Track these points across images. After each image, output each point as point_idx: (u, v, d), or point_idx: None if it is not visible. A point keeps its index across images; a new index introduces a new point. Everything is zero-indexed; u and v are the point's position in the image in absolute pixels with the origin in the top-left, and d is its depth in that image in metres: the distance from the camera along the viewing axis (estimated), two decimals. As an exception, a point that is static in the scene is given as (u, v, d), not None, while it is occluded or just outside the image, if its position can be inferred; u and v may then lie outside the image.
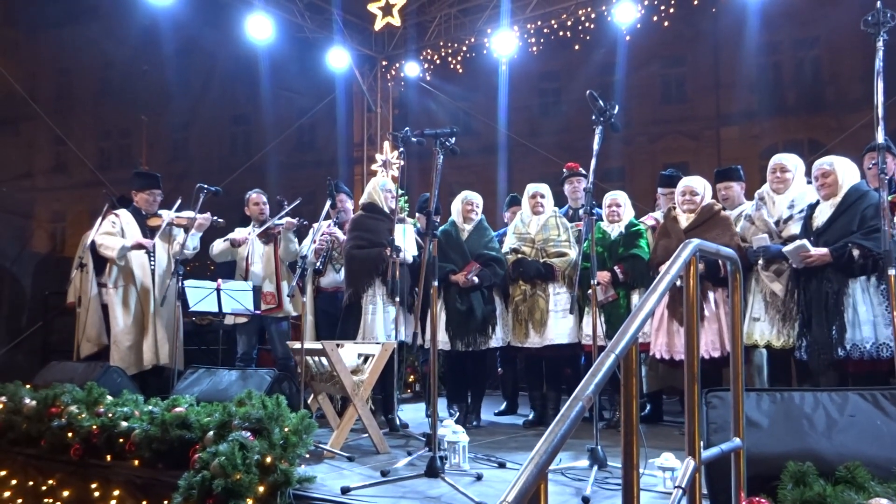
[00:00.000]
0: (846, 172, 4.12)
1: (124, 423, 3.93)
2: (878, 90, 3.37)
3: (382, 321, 5.03)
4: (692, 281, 2.04)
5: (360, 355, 4.38)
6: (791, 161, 4.54)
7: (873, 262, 3.80)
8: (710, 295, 4.53)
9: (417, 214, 6.18)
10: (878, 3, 3.37)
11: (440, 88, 11.59)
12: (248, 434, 3.23)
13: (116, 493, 3.77)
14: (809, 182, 4.75)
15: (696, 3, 8.71)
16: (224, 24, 9.54)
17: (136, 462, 3.78)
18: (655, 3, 8.68)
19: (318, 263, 5.56)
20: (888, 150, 4.60)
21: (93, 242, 5.97)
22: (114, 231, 5.55)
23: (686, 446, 1.97)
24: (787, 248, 4.08)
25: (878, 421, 2.38)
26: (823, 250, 3.96)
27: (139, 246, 5.45)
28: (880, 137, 3.38)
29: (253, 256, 5.72)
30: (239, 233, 5.81)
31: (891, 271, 3.32)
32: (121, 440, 3.88)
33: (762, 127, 14.09)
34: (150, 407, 3.99)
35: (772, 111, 13.99)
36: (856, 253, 3.87)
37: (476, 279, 4.99)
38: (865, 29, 3.41)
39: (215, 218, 5.70)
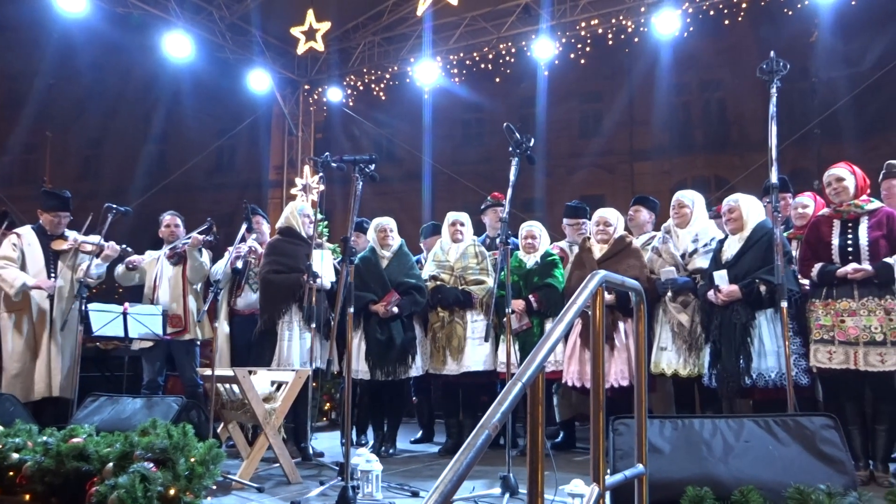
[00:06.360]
0: (751, 209, 4.34)
1: (15, 455, 3.68)
2: (772, 133, 3.60)
3: (299, 348, 4.93)
4: (599, 311, 2.10)
5: (273, 382, 4.28)
6: (688, 197, 4.77)
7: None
8: (621, 325, 4.67)
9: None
10: (772, 52, 3.62)
11: (363, 114, 11.61)
12: (151, 465, 3.10)
13: (3, 529, 3.53)
14: (712, 217, 4.99)
15: (610, 42, 9.08)
16: (140, 40, 9.28)
17: (27, 497, 3.54)
18: (573, 41, 9.02)
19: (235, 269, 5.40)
20: (785, 189, 4.91)
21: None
22: (13, 256, 5.22)
23: (591, 472, 2.02)
24: (717, 273, 4.23)
25: (770, 446, 2.50)
26: (734, 287, 4.15)
27: (39, 287, 5.14)
28: (774, 178, 3.60)
29: (161, 279, 5.51)
30: (142, 257, 5.61)
31: (783, 303, 3.53)
32: (11, 473, 3.63)
33: (672, 163, 14.78)
34: (45, 437, 3.76)
35: (681, 148, 14.71)
36: (762, 289, 4.07)
37: (396, 309, 4.99)
38: (761, 76, 3.65)
39: (124, 246, 5.45)
